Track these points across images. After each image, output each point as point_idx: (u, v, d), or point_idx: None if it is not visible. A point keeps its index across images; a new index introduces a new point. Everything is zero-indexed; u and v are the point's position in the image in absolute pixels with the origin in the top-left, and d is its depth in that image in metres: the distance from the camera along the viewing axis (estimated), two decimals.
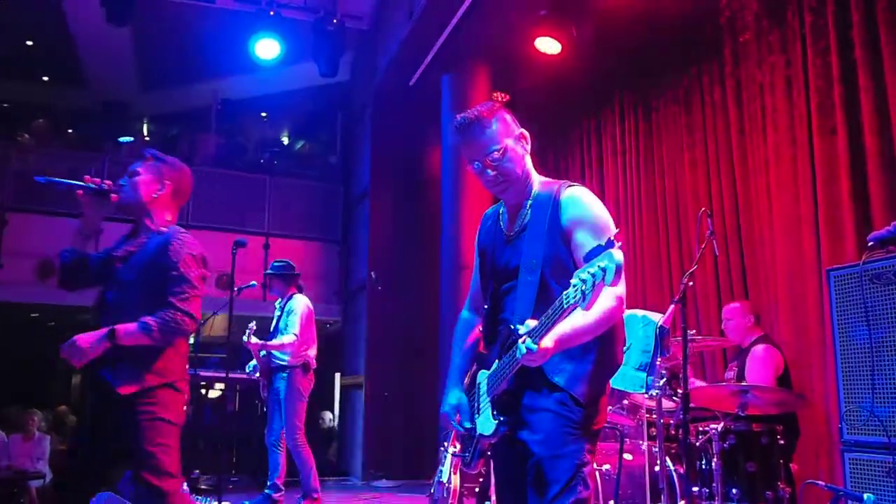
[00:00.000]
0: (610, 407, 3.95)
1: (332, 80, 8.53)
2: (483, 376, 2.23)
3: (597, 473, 3.81)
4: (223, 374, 6.62)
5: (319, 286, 9.43)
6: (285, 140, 13.00)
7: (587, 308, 1.78)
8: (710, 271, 5.43)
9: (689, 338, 3.39)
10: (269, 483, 5.57)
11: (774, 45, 5.02)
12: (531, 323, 1.91)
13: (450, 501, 4.30)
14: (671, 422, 3.95)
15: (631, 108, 6.65)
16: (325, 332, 9.90)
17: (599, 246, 1.77)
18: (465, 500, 4.43)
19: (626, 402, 4.04)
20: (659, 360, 3.58)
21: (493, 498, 3.80)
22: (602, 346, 2.12)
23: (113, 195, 2.86)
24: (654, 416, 3.60)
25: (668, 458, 3.72)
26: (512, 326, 2.01)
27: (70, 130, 11.54)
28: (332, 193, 10.13)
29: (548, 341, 1.88)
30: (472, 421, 2.24)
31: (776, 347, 4.36)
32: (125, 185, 2.88)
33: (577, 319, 1.94)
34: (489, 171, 2.19)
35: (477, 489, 4.37)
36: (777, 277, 4.84)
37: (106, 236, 3.06)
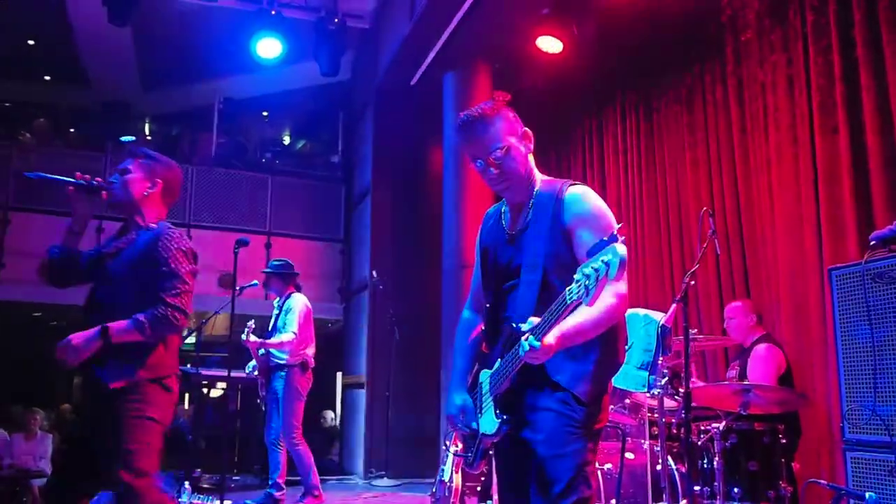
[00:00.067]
0: (612, 406, 3.96)
1: (334, 80, 8.53)
2: (485, 375, 2.22)
3: (598, 472, 3.81)
4: (225, 374, 6.62)
5: (321, 285, 9.44)
6: (287, 139, 13.01)
7: (590, 303, 1.77)
8: (712, 270, 5.43)
9: (690, 337, 3.39)
10: (270, 482, 5.58)
11: (776, 44, 5.02)
12: (534, 320, 1.91)
13: (451, 500, 4.30)
14: (673, 421, 3.95)
15: (632, 107, 6.64)
16: (327, 331, 9.90)
17: (602, 241, 1.76)
18: (467, 499, 4.43)
19: (627, 401, 4.04)
20: (661, 359, 3.58)
21: (495, 497, 3.80)
22: (603, 346, 2.12)
23: (104, 192, 2.87)
24: (656, 415, 3.60)
25: (669, 458, 3.72)
26: (514, 325, 2.00)
27: (71, 130, 11.54)
28: (333, 192, 10.14)
29: (550, 338, 1.88)
30: (476, 421, 2.24)
31: (778, 347, 4.35)
32: (116, 183, 2.89)
33: (580, 317, 1.94)
34: (492, 169, 2.19)
35: (479, 488, 4.37)
36: (779, 276, 4.83)
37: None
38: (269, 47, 7.42)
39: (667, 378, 3.55)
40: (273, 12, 7.36)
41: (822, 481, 3.18)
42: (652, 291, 6.11)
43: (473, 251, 2.48)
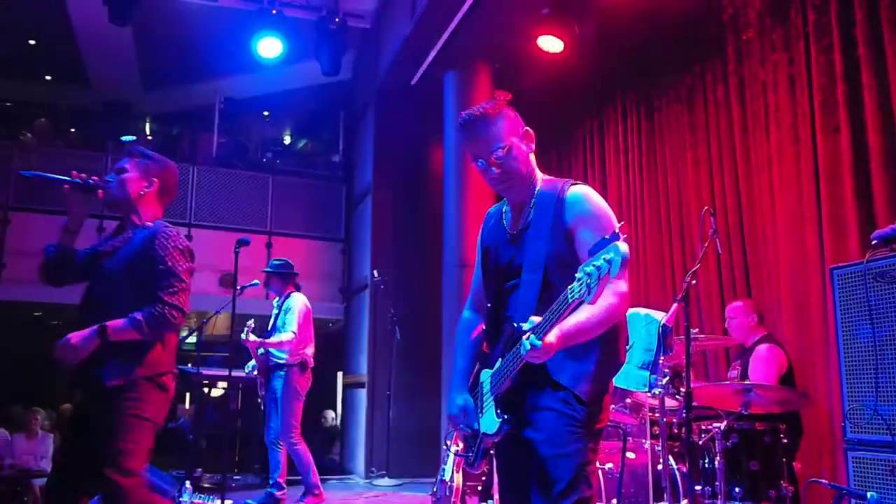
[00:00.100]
0: (613, 405, 3.95)
1: (335, 79, 8.51)
2: (486, 375, 2.22)
3: (599, 472, 3.81)
4: (226, 373, 6.62)
5: (322, 285, 9.44)
6: (287, 139, 13.01)
7: (592, 302, 1.76)
8: (713, 270, 5.42)
9: (692, 336, 3.39)
10: (271, 481, 5.58)
11: (777, 43, 5.01)
12: (535, 319, 1.90)
13: (452, 500, 4.30)
14: (674, 420, 3.95)
15: (634, 106, 6.64)
16: (328, 330, 9.90)
17: (604, 239, 1.75)
18: (468, 498, 4.43)
19: (629, 400, 4.04)
20: (662, 358, 3.57)
21: (496, 496, 3.80)
22: (604, 345, 2.12)
23: (100, 191, 2.87)
24: (657, 414, 3.60)
25: (670, 457, 3.72)
26: (515, 324, 2.00)
27: (72, 129, 11.55)
28: (334, 192, 10.14)
29: (551, 337, 1.87)
30: (477, 420, 2.24)
31: (779, 346, 4.35)
32: (112, 182, 2.89)
33: (581, 316, 1.93)
34: (493, 168, 2.18)
35: (480, 488, 4.37)
36: (780, 276, 4.83)
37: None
38: (269, 47, 7.42)
39: (668, 377, 3.55)
40: (274, 12, 7.36)
41: (824, 481, 3.18)
42: (653, 291, 6.11)
43: (474, 251, 2.47)
